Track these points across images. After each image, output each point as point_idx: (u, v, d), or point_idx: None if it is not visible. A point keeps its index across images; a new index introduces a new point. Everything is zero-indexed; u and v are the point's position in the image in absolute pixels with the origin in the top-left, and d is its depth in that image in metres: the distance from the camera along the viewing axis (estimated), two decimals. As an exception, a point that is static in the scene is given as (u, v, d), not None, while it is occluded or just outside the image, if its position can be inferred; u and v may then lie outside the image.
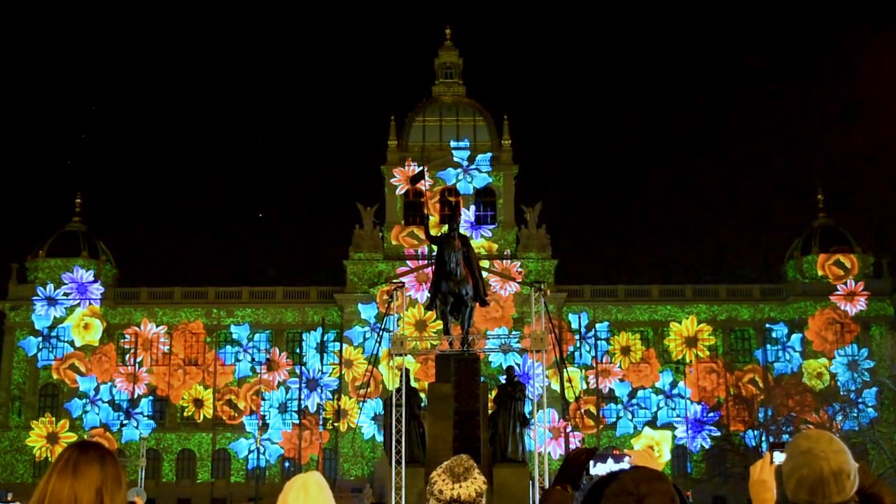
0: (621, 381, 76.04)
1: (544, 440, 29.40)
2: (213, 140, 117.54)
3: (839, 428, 59.33)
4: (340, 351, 75.87)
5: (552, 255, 76.95)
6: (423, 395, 31.84)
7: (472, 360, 30.01)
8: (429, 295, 31.58)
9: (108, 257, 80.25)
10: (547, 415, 30.00)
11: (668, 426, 74.53)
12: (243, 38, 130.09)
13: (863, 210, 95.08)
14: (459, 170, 79.16)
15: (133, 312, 77.92)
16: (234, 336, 77.72)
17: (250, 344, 77.64)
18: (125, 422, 75.18)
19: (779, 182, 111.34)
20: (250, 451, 74.12)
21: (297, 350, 77.77)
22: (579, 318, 75.88)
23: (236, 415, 76.56)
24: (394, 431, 29.02)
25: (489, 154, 79.93)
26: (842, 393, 66.08)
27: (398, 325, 31.07)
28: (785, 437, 56.11)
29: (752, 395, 68.86)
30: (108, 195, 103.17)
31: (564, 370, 40.69)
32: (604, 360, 77.02)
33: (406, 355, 30.76)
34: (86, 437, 65.87)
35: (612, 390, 76.50)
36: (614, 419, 76.30)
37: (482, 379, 31.27)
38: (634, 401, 76.24)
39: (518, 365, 62.85)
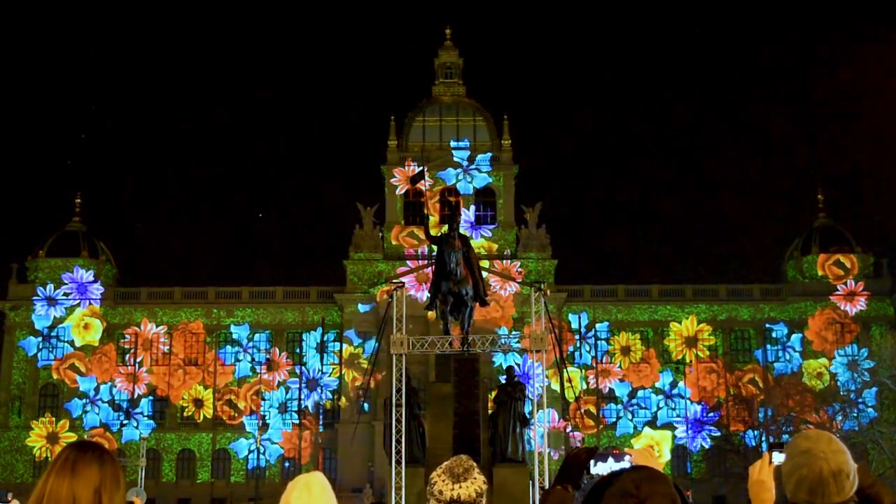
0: (621, 381, 76.07)
1: (544, 440, 29.37)
2: (213, 140, 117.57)
3: (839, 428, 59.31)
4: (340, 351, 75.89)
5: (552, 255, 76.95)
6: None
7: (472, 360, 30.01)
8: (429, 295, 31.57)
9: (108, 257, 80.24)
10: (547, 415, 29.97)
11: (668, 426, 74.55)
12: (243, 38, 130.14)
13: (863, 210, 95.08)
14: (459, 170, 79.18)
15: (133, 312, 77.92)
16: (234, 336, 77.73)
17: (250, 344, 77.66)
18: (125, 422, 75.20)
19: (779, 182, 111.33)
20: (250, 451, 74.14)
21: (297, 350, 77.79)
22: (579, 318, 75.91)
23: (236, 415, 76.58)
24: (394, 431, 29.02)
25: (489, 154, 79.94)
26: (842, 393, 66.07)
27: (398, 326, 31.05)
28: (785, 437, 56.13)
29: (752, 395, 68.88)
30: (108, 195, 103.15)
31: (564, 370, 40.68)
32: (604, 360, 77.06)
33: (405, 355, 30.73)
34: (86, 437, 65.86)
35: (612, 390, 76.53)
36: (614, 419, 76.31)
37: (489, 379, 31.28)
38: (634, 401, 76.27)
39: (518, 365, 62.85)
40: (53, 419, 74.18)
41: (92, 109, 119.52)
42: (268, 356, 76.31)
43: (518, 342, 33.47)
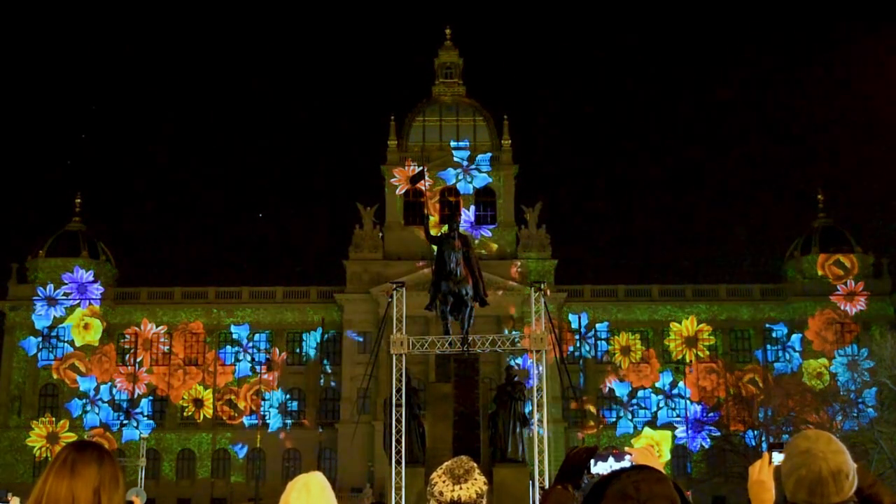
0: (621, 381, 76.06)
1: (544, 440, 29.37)
2: (213, 140, 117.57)
3: (839, 428, 59.29)
4: (340, 351, 75.92)
5: (552, 255, 76.94)
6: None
7: (472, 360, 30.01)
8: (429, 295, 31.56)
9: (108, 257, 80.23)
10: (547, 415, 29.96)
11: (668, 426, 74.55)
12: (243, 38, 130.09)
13: (863, 210, 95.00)
14: (459, 170, 79.18)
15: (133, 312, 77.90)
16: (234, 336, 77.73)
17: (250, 344, 77.65)
18: (125, 422, 75.20)
19: (779, 182, 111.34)
20: (250, 451, 74.12)
21: (297, 350, 77.80)
22: (579, 318, 75.90)
23: (236, 415, 76.58)
24: (394, 431, 29.02)
25: (489, 154, 79.94)
26: (842, 393, 66.02)
27: (398, 326, 31.04)
28: (784, 437, 56.06)
29: (752, 395, 68.85)
30: (108, 195, 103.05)
31: (564, 370, 40.69)
32: (604, 360, 77.10)
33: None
34: (86, 437, 65.86)
35: (612, 390, 76.52)
36: (614, 419, 76.32)
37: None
38: (634, 401, 76.27)
39: (518, 365, 62.84)
40: (53, 419, 74.16)
41: (92, 109, 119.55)
42: (268, 356, 76.29)
43: (518, 342, 33.44)
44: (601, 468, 4.17)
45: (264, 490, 65.38)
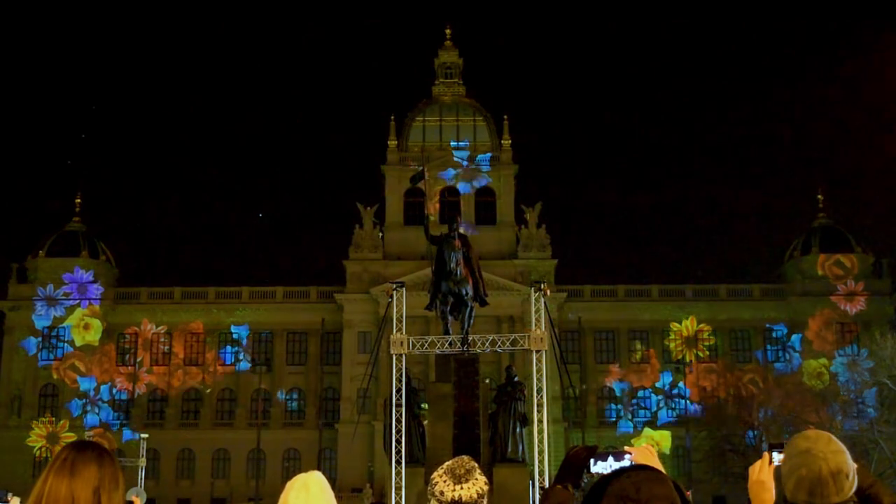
0: (621, 381, 76.04)
1: (544, 440, 29.38)
2: (213, 140, 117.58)
3: (839, 428, 59.24)
4: (340, 351, 75.92)
5: (552, 255, 76.94)
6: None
7: (472, 360, 29.99)
8: (429, 295, 31.54)
9: (108, 257, 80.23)
10: (547, 415, 29.97)
11: (668, 426, 74.53)
12: (243, 38, 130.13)
13: (863, 210, 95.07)
14: (459, 170, 79.17)
15: (133, 312, 77.88)
16: (234, 336, 77.71)
17: (250, 344, 77.64)
18: (125, 422, 75.19)
19: (779, 182, 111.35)
20: (250, 451, 74.07)
21: (297, 350, 77.80)
22: (579, 318, 75.89)
23: (236, 414, 76.58)
24: (394, 431, 29.02)
25: (489, 154, 79.94)
26: (842, 393, 65.98)
27: (398, 326, 31.03)
28: (785, 437, 56.05)
29: (752, 395, 68.81)
30: (108, 195, 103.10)
31: (564, 370, 40.67)
32: (604, 360, 77.09)
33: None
34: (86, 437, 65.85)
35: (611, 390, 76.51)
36: (614, 419, 76.31)
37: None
38: (634, 401, 76.26)
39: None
40: (53, 419, 74.16)
41: (92, 109, 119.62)
42: (268, 356, 76.29)
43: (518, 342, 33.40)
44: (601, 467, 4.17)
45: (264, 490, 65.34)
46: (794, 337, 76.28)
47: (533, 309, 31.42)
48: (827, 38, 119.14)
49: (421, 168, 39.61)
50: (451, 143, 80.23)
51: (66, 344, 76.46)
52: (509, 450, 29.02)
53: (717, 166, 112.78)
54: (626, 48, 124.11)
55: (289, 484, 4.66)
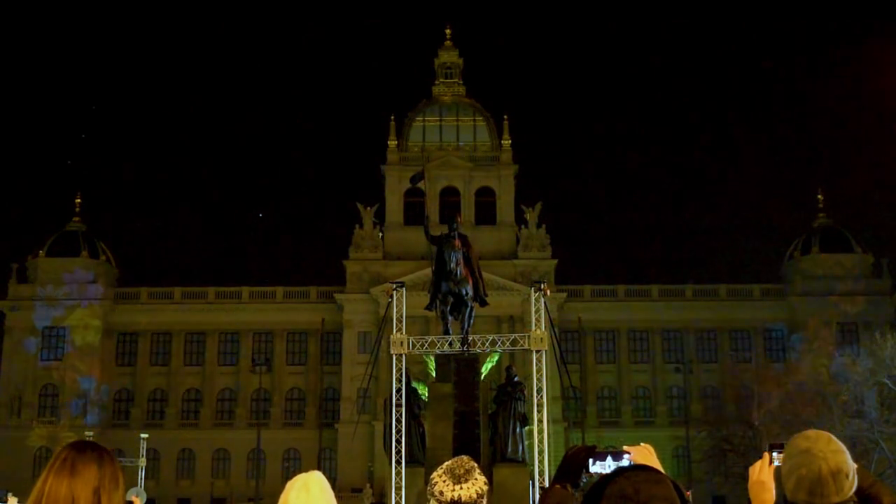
0: (621, 381, 76.03)
1: (544, 440, 29.37)
2: (213, 140, 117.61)
3: (839, 428, 59.22)
4: (340, 351, 75.91)
5: (552, 255, 76.95)
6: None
7: (472, 360, 29.99)
8: (429, 295, 31.53)
9: (108, 257, 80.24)
10: (547, 415, 29.96)
11: (668, 426, 74.52)
12: (243, 38, 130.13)
13: (863, 210, 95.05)
14: (459, 170, 79.15)
15: (133, 312, 77.87)
16: (234, 336, 77.69)
17: (250, 344, 77.61)
18: (125, 422, 75.17)
19: (779, 182, 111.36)
20: (250, 451, 74.08)
21: (297, 350, 77.79)
22: (579, 318, 75.90)
23: (236, 414, 76.57)
24: (394, 431, 29.01)
25: (489, 154, 79.93)
26: (842, 393, 65.93)
27: (398, 326, 31.02)
28: (784, 437, 56.02)
29: (752, 394, 68.78)
30: (108, 195, 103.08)
31: (564, 370, 40.64)
32: (603, 360, 77.08)
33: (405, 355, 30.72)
34: (86, 437, 65.86)
35: (612, 390, 76.50)
36: (614, 419, 76.30)
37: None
38: (634, 401, 76.25)
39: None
40: (53, 419, 74.14)
41: (92, 109, 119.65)
42: (267, 356, 76.30)
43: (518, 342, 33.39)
44: (600, 467, 4.17)
45: (264, 490, 65.36)
46: (794, 337, 76.24)
47: (533, 309, 31.39)
48: (827, 38, 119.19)
49: (421, 168, 39.64)
50: (452, 144, 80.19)
51: (66, 344, 76.45)
52: (509, 450, 29.01)
53: (717, 166, 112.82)
54: (626, 48, 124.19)
55: (289, 484, 4.66)
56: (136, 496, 28.32)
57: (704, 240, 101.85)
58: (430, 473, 4.46)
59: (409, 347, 30.37)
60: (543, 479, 29.33)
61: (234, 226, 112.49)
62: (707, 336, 78.31)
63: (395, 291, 31.04)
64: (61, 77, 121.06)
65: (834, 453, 4.03)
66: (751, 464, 4.51)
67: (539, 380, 29.69)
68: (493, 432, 29.22)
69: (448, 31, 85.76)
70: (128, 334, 77.62)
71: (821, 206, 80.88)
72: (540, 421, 29.63)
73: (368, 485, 65.33)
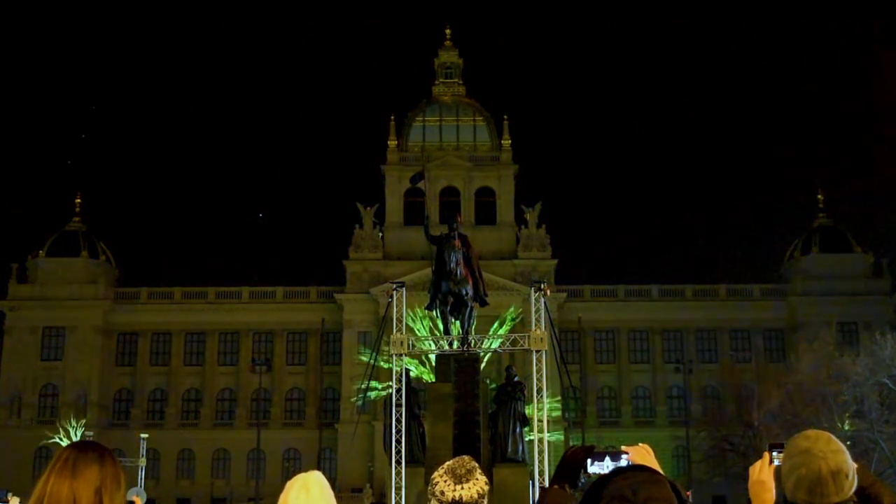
0: (621, 381, 76.05)
1: (544, 440, 29.38)
2: (213, 140, 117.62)
3: (839, 428, 59.25)
4: (340, 351, 75.92)
5: (552, 255, 76.95)
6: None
7: (472, 360, 29.98)
8: (429, 295, 31.54)
9: (108, 257, 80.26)
10: (546, 415, 29.97)
11: (668, 426, 74.52)
12: (243, 39, 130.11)
13: (863, 210, 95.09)
14: (459, 170, 79.15)
15: (133, 312, 77.88)
16: (234, 336, 77.70)
17: (250, 344, 77.62)
18: (125, 422, 75.17)
19: (779, 182, 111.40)
20: (250, 451, 74.09)
21: (297, 350, 77.79)
22: (579, 318, 75.91)
23: (236, 414, 76.57)
24: (394, 431, 29.00)
25: (489, 154, 79.93)
26: (842, 393, 65.94)
27: (398, 326, 31.01)
28: (784, 437, 56.02)
29: (752, 395, 68.78)
30: (108, 195, 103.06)
31: (564, 370, 40.64)
32: (603, 360, 77.08)
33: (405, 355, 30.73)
34: (86, 437, 65.85)
35: (612, 390, 76.50)
36: (614, 419, 76.30)
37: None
38: (634, 401, 76.25)
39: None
40: (54, 419, 74.14)
41: (92, 109, 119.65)
42: (268, 356, 76.29)
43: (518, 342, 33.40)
44: (598, 468, 4.17)
45: (264, 490, 65.36)
46: (794, 337, 76.25)
47: (533, 309, 31.39)
48: (827, 38, 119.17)
49: (421, 168, 39.66)
50: (452, 144, 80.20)
51: (66, 344, 76.44)
52: (509, 450, 29.00)
53: (717, 166, 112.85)
54: (626, 48, 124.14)
55: (289, 484, 4.67)
56: (137, 496, 28.31)
57: (704, 240, 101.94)
58: (430, 473, 4.47)
59: (409, 347, 30.37)
60: (543, 479, 29.33)
61: (234, 226, 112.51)
62: (707, 336, 78.31)
63: (395, 291, 31.04)
64: (61, 77, 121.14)
65: (834, 453, 4.03)
66: (751, 464, 4.52)
67: (539, 380, 29.69)
68: (493, 432, 29.21)
69: (448, 31, 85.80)
70: (128, 334, 77.61)
71: (821, 206, 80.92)
72: (540, 421, 29.63)
73: (368, 485, 65.32)
